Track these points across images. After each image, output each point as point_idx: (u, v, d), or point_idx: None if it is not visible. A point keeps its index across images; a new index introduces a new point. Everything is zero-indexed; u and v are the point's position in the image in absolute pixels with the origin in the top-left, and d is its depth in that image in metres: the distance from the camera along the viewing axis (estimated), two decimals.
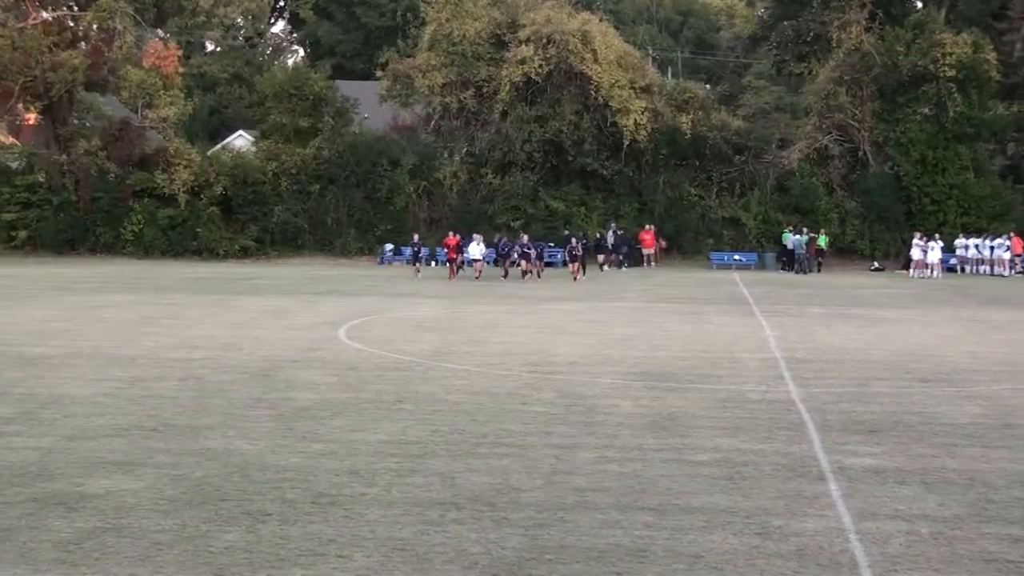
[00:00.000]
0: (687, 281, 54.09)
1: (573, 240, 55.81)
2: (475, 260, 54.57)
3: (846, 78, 66.68)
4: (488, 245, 57.77)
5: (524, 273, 53.29)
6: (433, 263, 61.80)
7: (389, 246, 65.16)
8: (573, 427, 19.05)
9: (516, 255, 54.79)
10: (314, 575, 11.79)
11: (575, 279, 53.12)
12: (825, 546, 12.77)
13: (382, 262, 64.39)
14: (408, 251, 59.64)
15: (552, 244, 64.68)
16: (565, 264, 63.22)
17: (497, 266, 56.58)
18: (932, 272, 58.93)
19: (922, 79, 65.01)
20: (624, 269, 62.05)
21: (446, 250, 56.70)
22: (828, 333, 33.28)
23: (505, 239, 57.24)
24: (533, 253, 54.29)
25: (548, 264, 62.93)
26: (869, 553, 12.53)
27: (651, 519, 13.72)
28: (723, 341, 30.91)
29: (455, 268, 55.24)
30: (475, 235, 56.13)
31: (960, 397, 22.60)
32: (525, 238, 55.51)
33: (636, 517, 13.78)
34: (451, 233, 57.21)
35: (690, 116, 66.75)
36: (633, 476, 15.77)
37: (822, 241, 62.99)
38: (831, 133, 67.25)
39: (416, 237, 58.30)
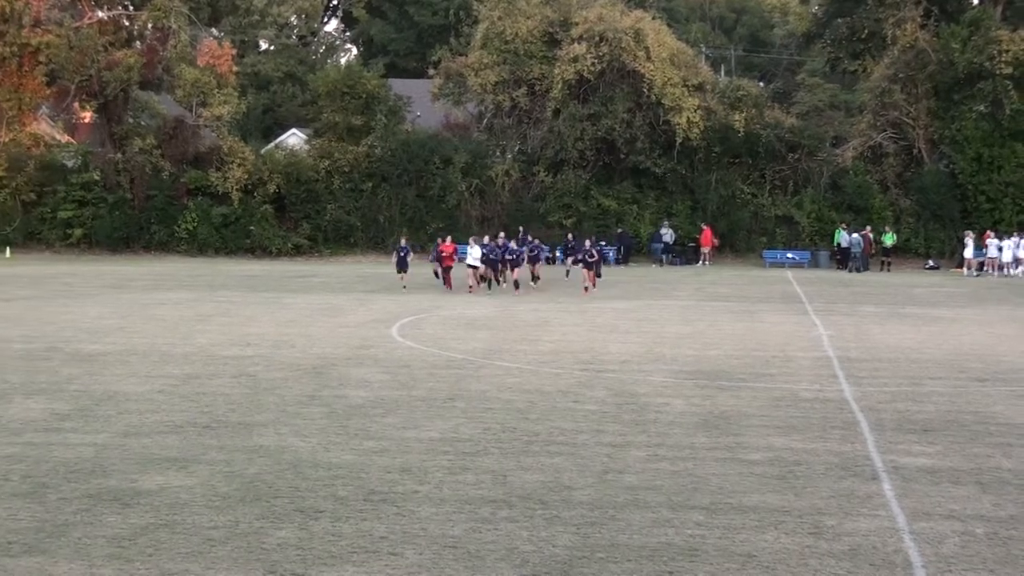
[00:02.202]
0: (740, 279, 53.84)
1: (587, 243, 47.34)
2: (472, 266, 45.69)
3: (901, 75, 66.13)
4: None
5: (514, 281, 45.58)
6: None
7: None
8: (625, 425, 19.01)
9: (517, 258, 46.55)
10: (366, 572, 11.81)
11: (586, 290, 44.60)
12: (878, 546, 12.68)
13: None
14: (393, 256, 49.07)
15: (605, 243, 64.60)
16: (619, 262, 63.21)
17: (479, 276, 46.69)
18: (1007, 270, 58.52)
19: (978, 76, 64.38)
20: (658, 267, 61.86)
21: (440, 258, 46.43)
22: (882, 332, 33.04)
23: (493, 243, 47.30)
24: (525, 258, 47.37)
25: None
26: (923, 553, 12.44)
27: (703, 518, 13.67)
28: (776, 340, 30.76)
29: (451, 278, 45.76)
30: (473, 239, 47.97)
31: (1016, 396, 22.39)
32: (511, 243, 47.78)
33: (688, 516, 13.74)
34: (445, 238, 48.24)
35: (743, 114, 66.41)
36: (685, 475, 15.72)
37: (888, 239, 62.44)
38: (886, 131, 66.75)
39: (403, 240, 48.87)
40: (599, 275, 46.86)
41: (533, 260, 48.51)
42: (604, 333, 31.97)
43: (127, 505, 14.10)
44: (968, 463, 16.56)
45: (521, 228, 62.99)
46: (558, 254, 60.72)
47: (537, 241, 51.87)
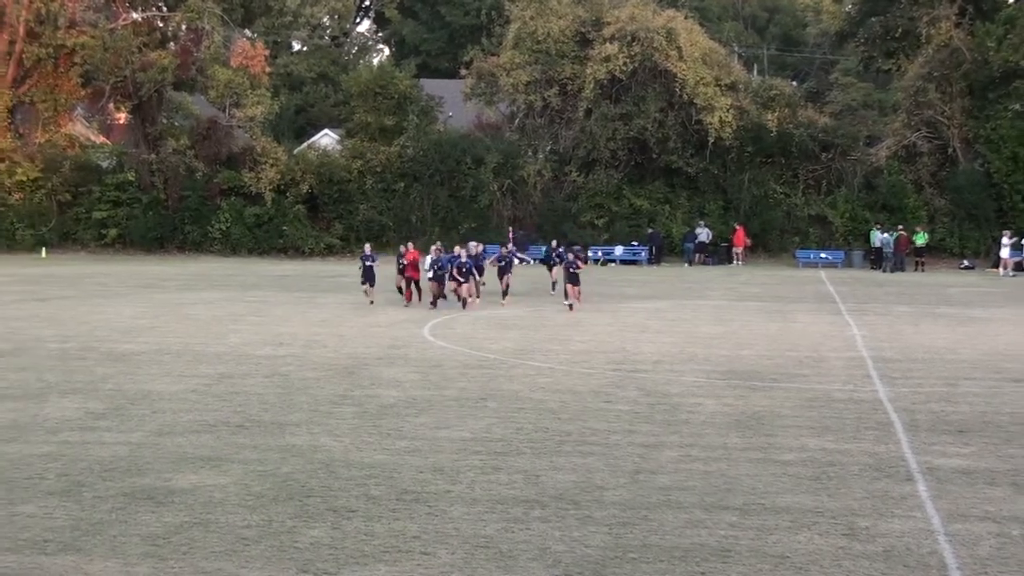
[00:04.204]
0: (773, 279, 53.68)
1: (570, 255, 39.71)
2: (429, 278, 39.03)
3: (935, 74, 65.78)
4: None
5: (461, 299, 38.35)
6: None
7: (473, 244, 65.12)
8: (657, 426, 18.98)
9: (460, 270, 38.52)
10: (398, 571, 11.83)
11: (571, 307, 37.64)
12: (913, 547, 12.62)
13: None
14: (359, 264, 41.03)
15: (636, 243, 64.51)
16: (651, 262, 63.11)
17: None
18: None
19: (1013, 75, 64.05)
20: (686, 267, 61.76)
21: (401, 265, 39.72)
22: (916, 332, 32.88)
23: (445, 253, 40.55)
24: (472, 272, 39.20)
25: (632, 262, 62.82)
26: (958, 555, 12.36)
27: (736, 519, 13.63)
28: (809, 340, 30.65)
29: (415, 289, 39.60)
30: (435, 246, 40.62)
31: None
32: (461, 254, 39.36)
33: (721, 517, 13.70)
34: (407, 245, 40.64)
35: (776, 113, 66.26)
36: (718, 475, 15.68)
37: (920, 239, 62.15)
38: (920, 130, 66.43)
39: (367, 248, 40.85)
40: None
41: (502, 272, 41.21)
42: (636, 333, 31.92)
43: (161, 504, 14.16)
44: (1004, 464, 16.46)
45: (510, 228, 63.02)
46: (527, 258, 57.20)
47: (509, 248, 45.47)
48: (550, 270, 44.59)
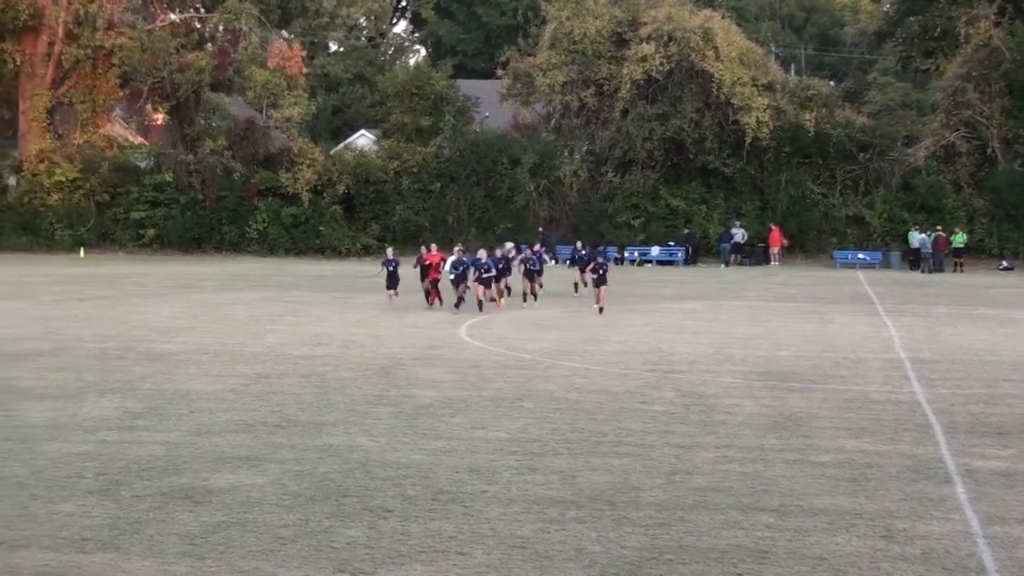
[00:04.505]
0: (810, 280, 53.47)
1: (599, 258, 39.74)
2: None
3: (974, 74, 65.38)
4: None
5: (479, 300, 37.00)
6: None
7: (509, 244, 65.09)
8: (693, 426, 18.94)
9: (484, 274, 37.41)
10: (434, 571, 11.84)
11: (601, 310, 36.44)
12: (952, 550, 12.54)
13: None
14: (381, 269, 40.32)
15: (672, 244, 64.39)
16: (687, 263, 62.96)
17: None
18: None
19: None
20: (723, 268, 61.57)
21: (423, 268, 38.82)
22: (955, 333, 32.70)
23: (467, 254, 39.36)
24: (492, 274, 37.89)
25: (668, 263, 62.71)
26: (997, 558, 12.29)
27: (773, 520, 13.59)
28: (846, 341, 30.51)
29: (437, 292, 38.26)
30: (458, 247, 40.15)
31: None
32: (482, 255, 38.49)
33: (757, 518, 13.66)
34: (430, 247, 40.06)
35: (813, 113, 66.00)
36: (755, 476, 15.63)
37: (959, 240, 61.77)
38: (959, 130, 66.01)
39: (390, 251, 41.00)
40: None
41: (529, 275, 39.79)
42: (672, 333, 31.87)
43: (199, 503, 14.22)
44: None
45: (540, 229, 63.02)
46: (554, 260, 56.58)
47: (536, 248, 43.40)
48: (582, 271, 42.84)
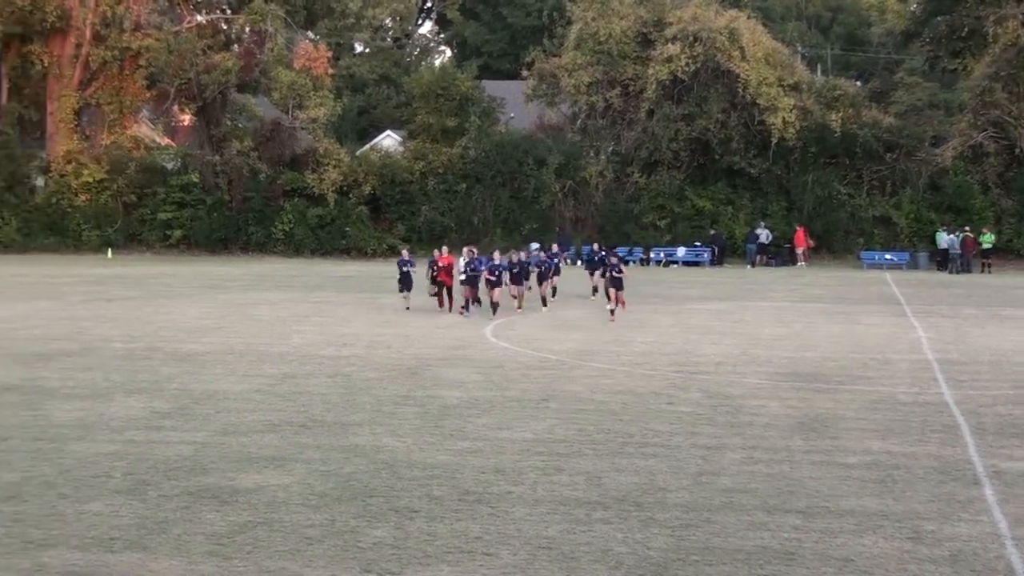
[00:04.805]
0: (836, 281, 53.29)
1: (612, 259, 37.79)
2: (462, 282, 37.21)
3: (1002, 74, 64.98)
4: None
5: (493, 303, 36.06)
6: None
7: (535, 245, 65.06)
8: (720, 427, 18.91)
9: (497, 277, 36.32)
10: (461, 572, 11.85)
11: (612, 313, 35.39)
12: (980, 552, 12.50)
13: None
14: (397, 269, 38.96)
15: (699, 244, 64.28)
16: (713, 263, 62.84)
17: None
18: None
19: None
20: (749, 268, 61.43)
21: (433, 271, 37.41)
22: (983, 334, 32.55)
23: (478, 255, 38.11)
24: (506, 276, 36.72)
25: (694, 264, 62.62)
26: None
27: (799, 521, 13.56)
28: (873, 342, 30.41)
29: (447, 295, 37.53)
30: (468, 247, 38.69)
31: None
32: (495, 256, 37.96)
33: (784, 519, 13.64)
34: (442, 249, 39.12)
35: (840, 113, 65.72)
36: (781, 478, 15.60)
37: (987, 240, 61.45)
38: (987, 130, 65.62)
39: (405, 253, 40.49)
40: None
41: (541, 278, 39.20)
42: (698, 334, 31.82)
43: (226, 503, 14.27)
44: None
45: (558, 228, 62.98)
46: (569, 261, 56.30)
47: (552, 250, 43.29)
48: (591, 274, 42.38)
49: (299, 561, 12.15)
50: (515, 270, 37.32)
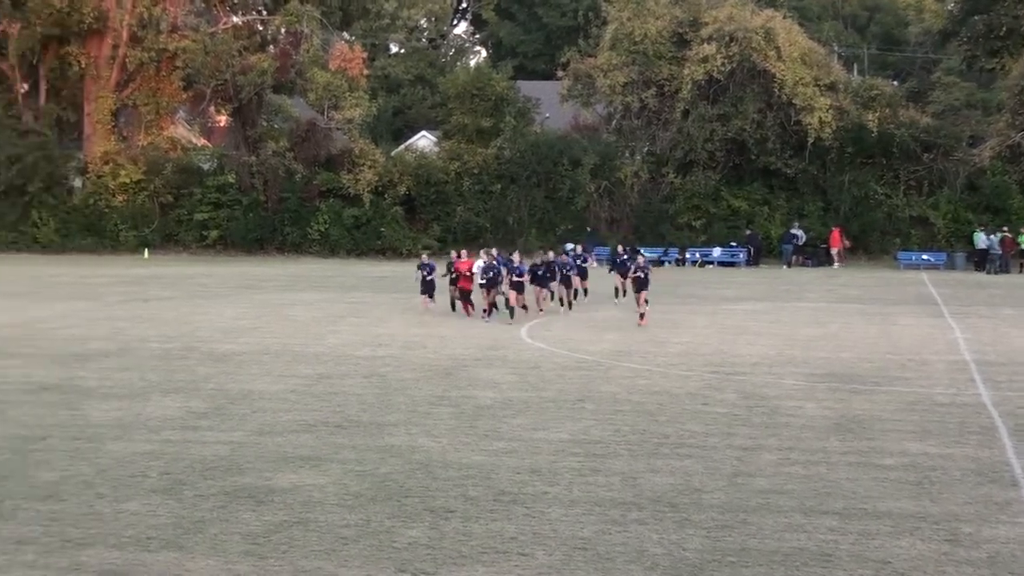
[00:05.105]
0: (873, 281, 53.03)
1: (640, 259, 36.65)
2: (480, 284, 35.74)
3: None
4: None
5: (510, 307, 35.23)
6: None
7: (570, 246, 64.87)
8: (756, 428, 18.85)
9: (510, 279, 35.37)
10: (496, 572, 11.85)
11: (642, 317, 34.13)
12: (1018, 554, 12.42)
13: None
14: (416, 274, 38.25)
15: (734, 245, 64.11)
16: (749, 264, 62.66)
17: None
18: None
19: None
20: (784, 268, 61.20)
21: (453, 276, 36.45)
22: (1021, 335, 32.32)
23: (500, 255, 37.81)
24: (525, 279, 35.66)
25: (730, 264, 62.46)
26: None
27: (836, 523, 13.50)
28: (910, 343, 30.25)
29: (469, 302, 36.13)
30: (485, 251, 37.92)
31: None
32: (515, 258, 36.75)
33: (820, 521, 13.58)
34: (459, 253, 37.24)
35: (877, 113, 65.39)
36: (817, 479, 15.54)
37: None
38: None
39: (425, 256, 39.93)
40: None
41: (566, 281, 37.75)
42: (734, 335, 31.72)
43: (261, 502, 14.32)
44: None
45: (589, 229, 62.94)
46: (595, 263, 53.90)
47: (577, 251, 42.23)
48: (623, 277, 39.19)
49: (334, 561, 12.17)
50: (540, 271, 36.49)
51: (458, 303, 36.48)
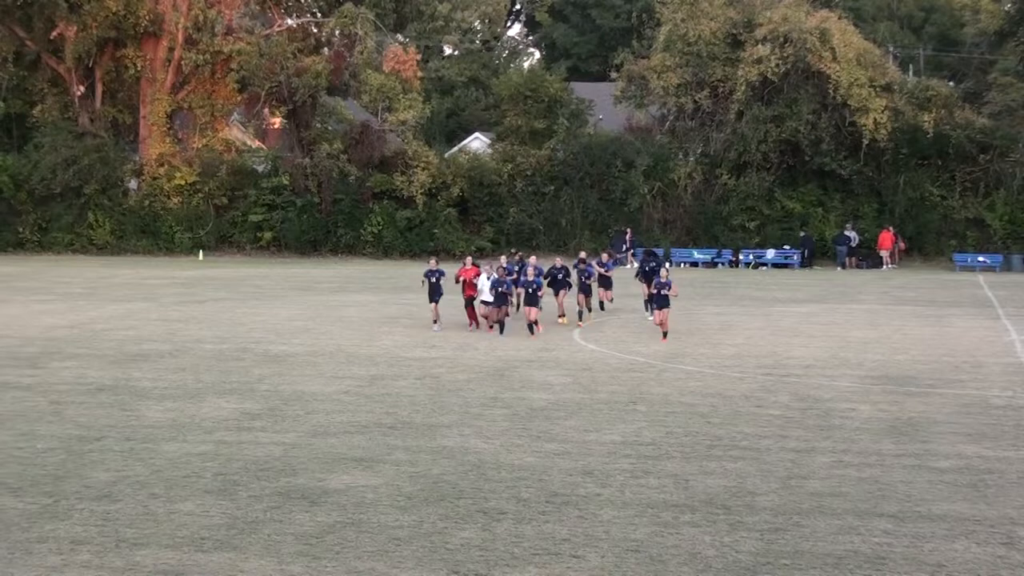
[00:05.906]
0: (927, 283, 52.64)
1: (663, 272, 33.02)
2: (484, 300, 33.48)
3: None
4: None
5: (529, 323, 32.83)
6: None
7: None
8: (809, 431, 18.76)
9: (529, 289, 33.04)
10: (548, 574, 11.86)
11: (664, 336, 30.91)
12: None
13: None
14: (423, 280, 34.48)
15: (788, 247, 63.81)
16: (803, 265, 62.36)
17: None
18: None
19: None
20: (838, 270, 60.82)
21: (460, 283, 34.42)
22: None
23: (515, 262, 37.00)
24: (540, 291, 33.10)
25: (784, 266, 62.16)
26: None
27: (890, 526, 13.42)
28: (965, 345, 30.00)
29: (474, 313, 34.10)
30: (499, 263, 35.51)
31: None
32: (529, 267, 34.18)
33: (875, 524, 13.51)
34: (468, 261, 35.86)
35: (932, 114, 64.88)
36: (871, 482, 15.45)
37: None
38: None
39: (433, 261, 35.16)
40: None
41: (585, 289, 35.50)
42: (787, 337, 31.58)
43: (315, 503, 14.39)
44: None
45: (628, 229, 62.80)
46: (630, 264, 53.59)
47: (601, 258, 38.86)
48: (649, 284, 35.13)
49: (387, 562, 12.22)
50: (559, 275, 34.98)
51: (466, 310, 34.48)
